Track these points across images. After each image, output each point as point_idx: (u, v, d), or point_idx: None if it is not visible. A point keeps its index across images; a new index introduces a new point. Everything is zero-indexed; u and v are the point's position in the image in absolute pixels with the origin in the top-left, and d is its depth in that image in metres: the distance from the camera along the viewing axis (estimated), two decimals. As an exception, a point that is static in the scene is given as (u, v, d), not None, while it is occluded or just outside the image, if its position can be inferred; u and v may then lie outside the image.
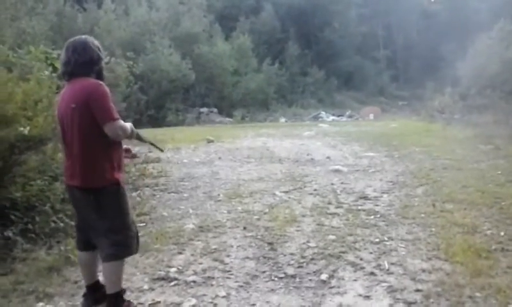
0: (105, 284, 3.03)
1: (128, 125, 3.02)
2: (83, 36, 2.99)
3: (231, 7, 39.66)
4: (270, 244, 4.27)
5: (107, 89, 2.85)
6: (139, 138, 3.30)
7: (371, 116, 28.86)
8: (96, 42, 3.00)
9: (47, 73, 5.69)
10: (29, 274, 3.57)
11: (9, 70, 5.55)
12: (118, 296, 2.97)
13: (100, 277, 3.23)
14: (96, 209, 2.88)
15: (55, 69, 6.14)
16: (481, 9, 40.59)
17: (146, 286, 3.40)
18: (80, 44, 2.90)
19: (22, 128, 4.24)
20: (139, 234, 4.53)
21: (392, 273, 3.54)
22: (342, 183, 6.95)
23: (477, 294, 3.11)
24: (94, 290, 3.10)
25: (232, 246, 4.24)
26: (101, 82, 2.87)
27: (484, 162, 8.32)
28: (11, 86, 4.55)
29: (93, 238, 3.00)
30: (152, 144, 3.66)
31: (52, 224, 4.35)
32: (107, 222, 2.89)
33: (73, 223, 3.81)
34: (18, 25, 14.83)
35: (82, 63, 2.86)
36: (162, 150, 4.34)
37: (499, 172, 7.25)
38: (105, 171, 2.87)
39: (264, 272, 3.65)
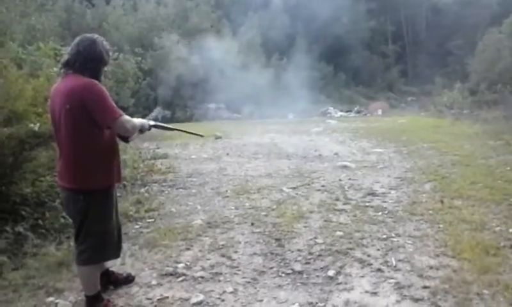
0: (82, 285, 3.06)
1: (138, 121, 3.02)
2: (96, 35, 2.96)
3: (239, 2, 39.54)
4: (277, 240, 4.29)
5: (102, 86, 2.80)
6: (164, 128, 3.27)
7: (379, 112, 28.72)
8: (107, 45, 2.97)
9: (56, 69, 5.73)
10: (40, 269, 3.62)
11: (19, 67, 5.61)
12: (94, 299, 2.99)
13: (108, 264, 3.30)
14: (81, 212, 2.86)
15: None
16: (491, 3, 40.11)
17: (154, 282, 3.43)
18: (87, 39, 2.88)
19: (32, 125, 4.29)
20: (148, 230, 4.63)
21: (399, 270, 3.54)
22: (349, 179, 6.94)
23: (485, 291, 3.10)
24: (103, 278, 3.16)
25: (239, 242, 4.27)
26: (95, 81, 2.79)
27: (493, 158, 8.26)
28: (21, 82, 4.60)
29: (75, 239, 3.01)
30: (184, 131, 3.62)
31: (62, 220, 4.39)
32: (86, 224, 2.87)
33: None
34: (27, 22, 14.90)
35: (82, 58, 2.81)
36: (201, 135, 4.24)
37: (508, 168, 7.20)
38: (96, 175, 2.85)
39: (271, 268, 3.67)
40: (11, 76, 4.62)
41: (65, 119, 2.76)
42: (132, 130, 2.93)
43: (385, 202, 5.55)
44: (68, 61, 2.85)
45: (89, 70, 2.82)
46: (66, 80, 2.82)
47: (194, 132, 3.75)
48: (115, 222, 3.07)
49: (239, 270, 3.63)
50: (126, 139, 3.04)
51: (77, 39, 2.90)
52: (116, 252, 3.17)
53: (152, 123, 3.22)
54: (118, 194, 3.34)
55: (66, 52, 2.98)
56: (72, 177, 2.83)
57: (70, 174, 2.84)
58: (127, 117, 2.87)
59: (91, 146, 2.82)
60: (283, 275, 3.53)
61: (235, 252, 4.02)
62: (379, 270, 3.55)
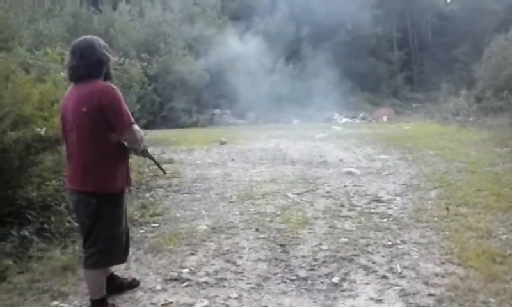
0: (88, 289, 3.05)
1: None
2: (88, 37, 2.94)
3: (245, 8, 39.64)
4: (282, 246, 4.28)
5: (119, 92, 2.83)
6: (147, 154, 3.28)
7: (384, 118, 28.66)
8: (102, 42, 2.96)
9: (63, 74, 5.77)
10: (45, 273, 3.63)
11: (26, 72, 5.66)
12: (99, 303, 2.98)
13: (113, 268, 3.30)
14: (91, 215, 2.86)
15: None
16: (498, 10, 40.03)
17: (158, 287, 3.43)
18: (87, 47, 2.87)
19: (38, 129, 4.32)
20: (153, 234, 4.64)
21: (404, 277, 3.52)
22: (354, 185, 6.92)
23: (491, 300, 3.07)
24: (108, 283, 3.15)
25: (244, 248, 4.26)
26: (113, 86, 2.84)
27: (500, 165, 8.21)
28: (28, 87, 4.64)
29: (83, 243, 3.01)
30: (156, 163, 3.64)
31: (67, 224, 4.41)
32: (96, 229, 2.88)
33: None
34: (35, 27, 15.06)
35: (91, 66, 2.83)
36: (164, 172, 4.12)
37: (515, 176, 7.15)
38: (110, 178, 2.86)
39: (275, 274, 3.66)
40: (18, 80, 4.66)
41: (81, 121, 2.77)
42: (140, 141, 2.96)
43: (390, 209, 5.53)
44: (79, 74, 2.85)
45: (101, 73, 2.88)
46: (83, 86, 2.83)
47: (163, 168, 3.84)
48: (124, 227, 3.08)
49: (244, 276, 3.62)
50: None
51: (76, 49, 2.88)
52: (123, 257, 3.17)
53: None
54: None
55: (66, 63, 2.97)
56: (86, 180, 2.83)
57: (84, 177, 2.84)
58: (137, 127, 2.90)
59: (106, 149, 2.84)
60: (287, 281, 3.52)
61: (240, 257, 4.02)
62: (384, 277, 3.53)
